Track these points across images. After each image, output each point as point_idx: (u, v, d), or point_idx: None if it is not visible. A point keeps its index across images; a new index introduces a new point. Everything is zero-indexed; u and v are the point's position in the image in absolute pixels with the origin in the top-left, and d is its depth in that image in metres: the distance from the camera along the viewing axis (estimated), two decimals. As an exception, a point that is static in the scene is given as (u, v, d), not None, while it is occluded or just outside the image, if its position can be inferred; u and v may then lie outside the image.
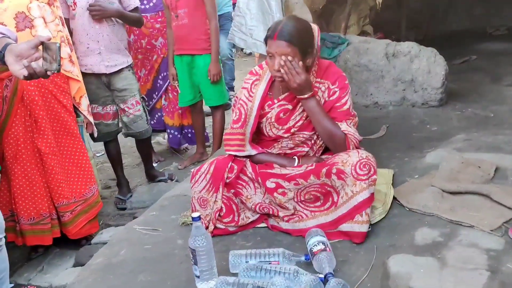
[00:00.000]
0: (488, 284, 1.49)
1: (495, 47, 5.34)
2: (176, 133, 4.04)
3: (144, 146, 3.49)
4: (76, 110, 2.80)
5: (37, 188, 2.60)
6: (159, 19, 3.71)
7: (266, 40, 2.04)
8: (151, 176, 3.58)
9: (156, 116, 4.02)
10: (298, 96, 2.06)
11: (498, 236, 1.79)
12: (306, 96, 2.04)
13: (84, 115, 2.84)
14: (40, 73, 1.44)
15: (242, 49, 7.32)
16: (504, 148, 2.55)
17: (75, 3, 2.93)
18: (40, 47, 1.46)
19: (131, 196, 3.34)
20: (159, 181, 3.51)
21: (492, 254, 1.67)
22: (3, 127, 2.55)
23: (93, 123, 2.91)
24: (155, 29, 3.73)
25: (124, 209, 3.23)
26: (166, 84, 3.87)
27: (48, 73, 1.46)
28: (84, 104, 2.82)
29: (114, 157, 3.34)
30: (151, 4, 3.69)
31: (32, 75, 1.44)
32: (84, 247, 2.75)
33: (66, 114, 2.68)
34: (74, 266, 2.63)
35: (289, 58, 1.96)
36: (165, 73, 3.83)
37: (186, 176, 3.26)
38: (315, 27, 2.11)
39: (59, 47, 1.41)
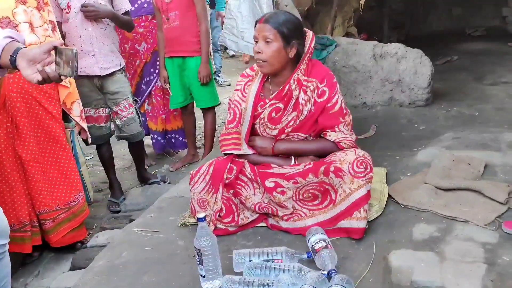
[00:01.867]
0: (486, 276, 1.56)
1: (475, 47, 5.49)
2: (159, 138, 4.04)
3: (137, 148, 3.49)
4: (67, 115, 2.77)
5: (17, 195, 2.56)
6: (142, 24, 3.71)
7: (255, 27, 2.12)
8: (144, 179, 3.58)
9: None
10: (266, 153, 2.19)
11: (492, 230, 1.86)
12: (270, 148, 2.18)
13: (76, 121, 2.81)
14: (53, 78, 1.45)
15: (226, 49, 7.40)
16: (492, 145, 2.64)
17: (69, 6, 2.92)
18: (52, 52, 1.46)
19: (124, 199, 3.33)
20: (152, 183, 3.51)
21: (488, 248, 1.75)
22: None
23: (86, 129, 2.88)
24: (138, 34, 3.73)
25: (118, 211, 3.22)
26: (150, 88, 3.87)
27: (62, 77, 1.47)
28: (76, 110, 2.79)
29: (107, 160, 3.33)
30: (133, 8, 3.63)
31: (45, 80, 1.45)
32: (81, 251, 2.74)
33: (52, 121, 2.63)
34: (71, 269, 2.62)
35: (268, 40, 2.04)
36: (148, 78, 3.84)
37: (179, 178, 3.28)
38: (310, 32, 2.17)
39: (76, 53, 1.42)
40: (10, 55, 1.45)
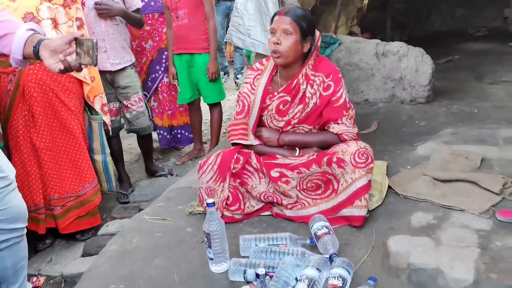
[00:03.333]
0: (480, 259, 1.66)
1: (476, 47, 5.56)
2: (165, 133, 4.14)
3: (145, 142, 3.60)
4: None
5: (32, 179, 2.71)
6: (149, 21, 3.81)
7: (272, 20, 2.21)
8: (152, 172, 3.69)
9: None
10: (272, 144, 2.29)
11: (486, 218, 1.96)
12: (276, 140, 2.27)
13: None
14: (74, 67, 1.56)
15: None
16: (489, 140, 2.73)
17: (83, 3, 3.03)
18: (73, 43, 1.57)
19: (132, 190, 3.44)
20: (160, 176, 3.62)
21: (482, 234, 1.84)
22: (7, 118, 2.68)
23: (107, 122, 3.00)
24: (145, 31, 3.82)
25: (127, 202, 3.33)
26: (155, 85, 3.96)
27: (82, 66, 1.58)
28: (98, 104, 2.91)
29: (116, 153, 3.44)
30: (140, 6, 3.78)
31: (67, 69, 1.55)
32: (91, 239, 2.86)
33: (67, 113, 2.75)
34: (83, 256, 2.73)
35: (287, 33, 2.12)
36: (154, 75, 3.94)
37: (185, 171, 3.38)
38: (317, 31, 2.26)
39: (96, 43, 1.52)
40: (34, 46, 1.56)
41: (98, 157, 3.01)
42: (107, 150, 3.06)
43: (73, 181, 2.81)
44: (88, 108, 2.90)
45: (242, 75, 6.48)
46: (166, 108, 4.02)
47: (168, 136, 4.16)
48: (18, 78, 2.63)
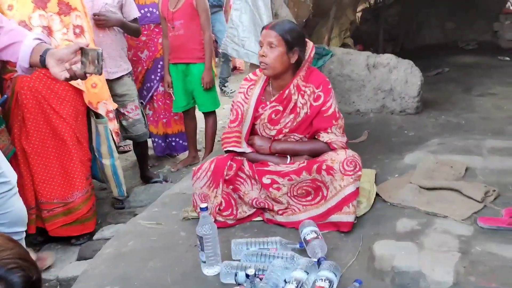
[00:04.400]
0: (460, 263, 1.74)
1: (466, 60, 5.69)
2: (160, 141, 4.20)
3: (141, 148, 3.67)
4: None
5: (24, 181, 2.79)
6: (145, 32, 3.87)
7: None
8: (147, 178, 3.75)
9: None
10: (264, 152, 2.37)
11: (468, 225, 2.05)
12: (268, 148, 2.35)
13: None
14: (79, 75, 1.64)
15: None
16: (474, 150, 2.82)
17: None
18: (78, 52, 1.65)
19: (127, 196, 3.50)
20: (155, 182, 3.68)
21: (463, 239, 1.93)
22: (6, 120, 2.79)
23: (111, 129, 3.06)
24: (141, 42, 3.89)
25: (122, 208, 3.38)
26: (151, 94, 4.03)
27: (87, 75, 1.66)
28: (102, 110, 2.98)
29: None
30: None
31: (72, 77, 1.63)
32: (87, 243, 2.91)
33: (59, 120, 2.80)
34: (78, 260, 2.78)
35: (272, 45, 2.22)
36: (149, 84, 4.01)
37: (180, 178, 3.45)
38: (310, 43, 2.36)
39: (101, 53, 1.61)
40: (40, 55, 1.64)
41: (107, 161, 3.07)
42: (115, 154, 3.11)
43: (62, 187, 2.86)
44: (94, 113, 2.97)
45: (228, 83, 6.60)
46: (161, 116, 4.09)
47: (162, 144, 4.22)
48: (13, 84, 2.75)
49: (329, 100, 2.30)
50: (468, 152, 2.80)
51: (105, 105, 3.01)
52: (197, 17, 3.57)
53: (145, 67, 3.96)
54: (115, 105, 3.11)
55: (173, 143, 4.24)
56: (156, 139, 4.19)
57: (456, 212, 2.12)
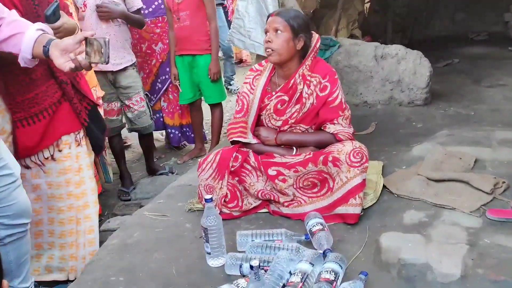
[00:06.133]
0: (468, 255, 1.71)
1: (476, 51, 5.61)
2: (176, 132, 4.21)
3: (146, 140, 3.67)
4: None
5: None
6: (159, 24, 3.87)
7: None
8: (152, 170, 3.75)
9: (155, 117, 4.17)
10: (270, 143, 2.36)
11: (476, 217, 2.02)
12: (273, 139, 2.33)
13: None
14: (84, 66, 1.62)
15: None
16: (483, 142, 2.78)
17: (85, 5, 3.12)
18: (83, 42, 1.64)
19: (134, 188, 3.50)
20: (161, 174, 3.68)
21: (471, 231, 1.90)
22: None
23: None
24: (155, 34, 3.89)
25: (128, 200, 3.39)
26: (165, 86, 4.02)
27: (92, 65, 1.64)
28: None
29: (118, 151, 3.51)
30: (150, 9, 3.83)
31: (77, 67, 1.62)
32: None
33: None
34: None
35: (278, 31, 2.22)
36: (163, 77, 4.00)
37: (186, 170, 3.45)
38: (316, 34, 2.34)
39: (108, 42, 1.59)
40: (44, 46, 1.63)
41: None
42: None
43: None
44: None
45: (233, 81, 6.43)
46: (177, 108, 4.09)
47: (179, 135, 4.23)
48: None
49: (335, 90, 2.28)
50: (477, 143, 2.76)
51: (94, 92, 2.98)
52: (203, 8, 3.55)
53: (160, 60, 3.95)
54: (103, 92, 3.10)
55: (188, 133, 4.23)
56: (173, 130, 4.19)
57: (464, 204, 2.09)
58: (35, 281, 2.30)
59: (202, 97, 3.92)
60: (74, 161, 2.40)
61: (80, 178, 2.43)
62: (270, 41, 2.23)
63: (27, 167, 2.33)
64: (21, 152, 2.29)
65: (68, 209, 2.43)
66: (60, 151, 2.36)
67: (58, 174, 2.37)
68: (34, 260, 2.50)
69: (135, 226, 2.35)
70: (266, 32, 2.28)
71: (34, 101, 2.22)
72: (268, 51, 2.25)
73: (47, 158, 2.34)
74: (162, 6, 3.83)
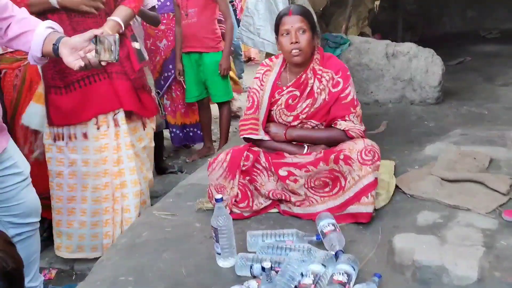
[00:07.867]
0: (484, 257, 1.67)
1: (488, 49, 5.53)
2: (178, 131, 4.18)
3: (156, 139, 3.61)
4: None
5: (43, 167, 2.68)
6: (164, 21, 3.84)
7: (278, 25, 2.26)
8: (162, 169, 3.73)
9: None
10: (279, 139, 2.32)
11: (492, 218, 1.97)
12: (283, 134, 2.30)
13: None
14: (94, 63, 1.60)
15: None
16: (498, 141, 2.72)
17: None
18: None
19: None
20: (170, 173, 3.66)
21: (488, 233, 1.85)
22: (14, 112, 2.74)
23: None
24: (160, 31, 3.87)
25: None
26: (168, 83, 4.00)
27: (102, 63, 1.62)
28: None
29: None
30: (156, 6, 3.81)
31: (87, 66, 1.60)
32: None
33: None
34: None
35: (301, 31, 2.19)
36: (166, 74, 3.98)
37: (194, 169, 3.42)
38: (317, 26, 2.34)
39: (118, 39, 1.57)
40: (53, 44, 1.61)
41: None
42: None
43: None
44: None
45: (241, 80, 6.37)
46: (179, 106, 4.06)
47: (180, 134, 4.20)
48: (24, 72, 2.71)
49: (347, 86, 2.26)
50: (492, 143, 2.71)
51: None
52: (211, 6, 3.55)
53: (163, 57, 3.94)
54: None
55: (191, 133, 4.21)
56: (174, 129, 4.17)
57: (480, 205, 2.04)
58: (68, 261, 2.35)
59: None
60: (112, 139, 2.42)
61: (118, 157, 2.46)
62: (298, 42, 2.19)
63: (62, 138, 2.38)
64: (54, 119, 2.33)
65: (104, 187, 2.45)
66: (98, 129, 2.39)
67: (95, 152, 2.40)
68: (65, 238, 2.54)
69: (143, 226, 2.33)
70: (285, 33, 2.22)
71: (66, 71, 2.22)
72: (295, 52, 2.20)
73: (84, 134, 2.38)
74: (168, 3, 3.81)
